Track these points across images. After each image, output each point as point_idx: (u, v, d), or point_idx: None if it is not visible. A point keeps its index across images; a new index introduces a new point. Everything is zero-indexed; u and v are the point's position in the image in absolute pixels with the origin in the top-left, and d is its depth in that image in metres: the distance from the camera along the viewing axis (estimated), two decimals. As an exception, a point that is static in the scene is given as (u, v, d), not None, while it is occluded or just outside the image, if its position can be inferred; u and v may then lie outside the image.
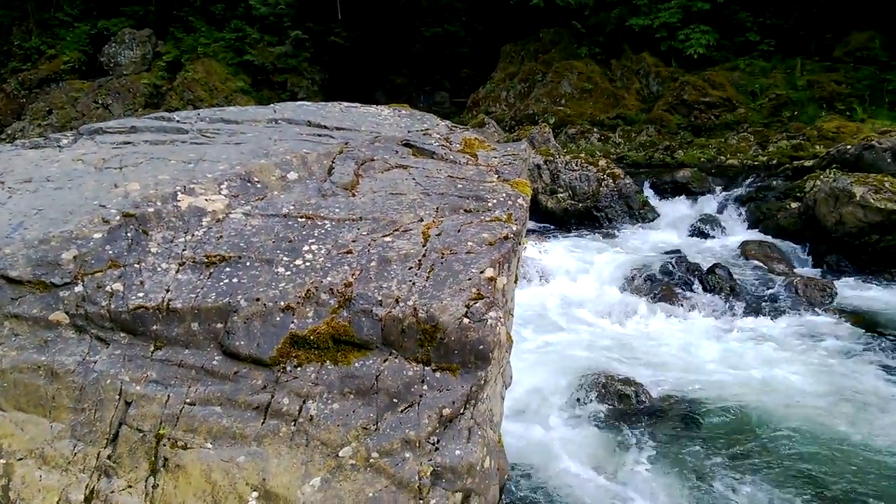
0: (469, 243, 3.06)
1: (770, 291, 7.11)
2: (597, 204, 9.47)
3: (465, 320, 2.68)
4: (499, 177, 3.81)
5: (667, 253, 7.70)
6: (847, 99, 13.44)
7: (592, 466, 3.94)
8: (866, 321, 6.49)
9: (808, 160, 10.46)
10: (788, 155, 11.30)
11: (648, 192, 10.24)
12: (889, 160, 9.48)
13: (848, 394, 4.99)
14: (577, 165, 9.62)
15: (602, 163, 9.90)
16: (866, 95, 13.28)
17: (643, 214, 9.53)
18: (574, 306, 6.37)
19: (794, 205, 9.15)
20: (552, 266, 7.13)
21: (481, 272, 2.88)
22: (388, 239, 3.03)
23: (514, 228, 3.23)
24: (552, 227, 9.28)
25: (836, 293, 7.11)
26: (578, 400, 4.69)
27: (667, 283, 6.96)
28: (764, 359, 5.59)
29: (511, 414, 4.27)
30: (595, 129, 13.12)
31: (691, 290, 6.84)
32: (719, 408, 4.74)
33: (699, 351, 5.70)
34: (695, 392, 4.97)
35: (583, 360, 5.29)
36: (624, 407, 4.65)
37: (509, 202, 3.47)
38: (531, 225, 9.29)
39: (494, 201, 3.46)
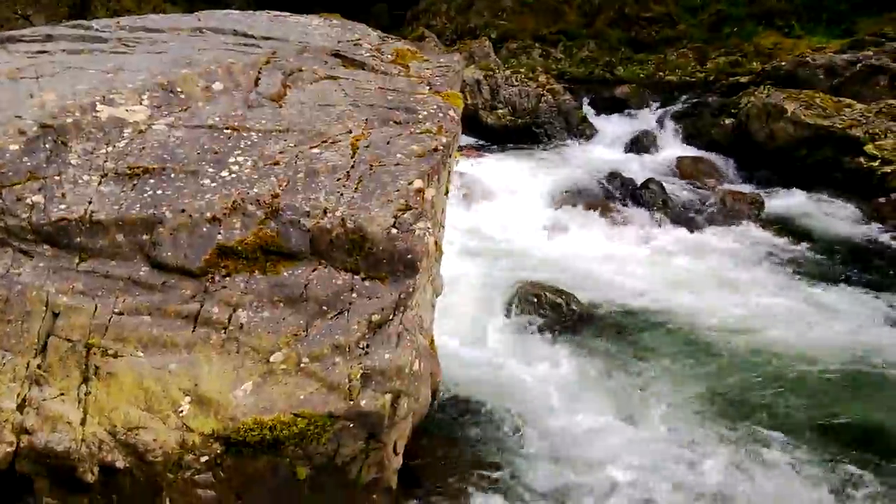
0: (398, 155, 3.08)
1: (701, 205, 7.36)
2: (536, 120, 9.50)
3: (394, 230, 2.74)
4: (431, 88, 3.80)
5: (604, 169, 7.83)
6: (785, 15, 13.57)
7: (522, 370, 4.13)
8: (791, 232, 6.81)
9: (744, 77, 10.63)
10: (726, 71, 11.46)
11: (588, 108, 10.29)
12: (822, 77, 9.73)
13: (769, 300, 5.29)
14: (516, 81, 9.58)
15: (542, 78, 9.87)
16: (804, 12, 13.44)
17: (582, 130, 9.61)
18: (510, 221, 6.48)
19: (728, 121, 9.35)
20: (489, 182, 7.19)
21: (410, 184, 2.92)
22: (315, 151, 3.03)
23: (445, 141, 3.26)
24: (492, 143, 9.29)
25: (764, 205, 7.42)
26: (512, 310, 4.85)
27: (602, 198, 7.13)
28: (691, 269, 5.85)
29: (445, 323, 4.40)
30: (536, 45, 13.01)
31: (625, 205, 7.04)
32: (646, 315, 4.98)
33: (630, 263, 5.92)
34: (623, 301, 5.19)
35: (517, 273, 5.43)
36: (555, 315, 4.84)
37: (440, 114, 3.47)
38: (470, 141, 9.29)
39: (425, 113, 3.46)
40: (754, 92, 9.48)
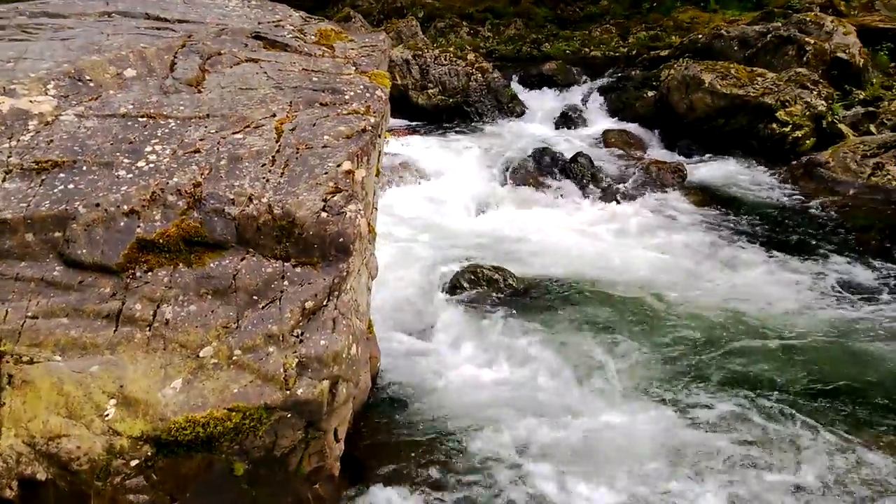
0: (325, 137, 3.01)
1: (628, 175, 7.52)
2: (467, 99, 9.47)
3: (324, 214, 2.67)
4: (357, 69, 3.72)
5: (534, 144, 7.89)
6: (701, -10, 13.93)
7: (462, 348, 4.15)
8: (712, 198, 7.04)
9: (664, 50, 10.87)
10: (647, 46, 11.69)
11: (517, 85, 10.33)
12: (736, 48, 10.03)
13: (694, 265, 5.47)
14: (446, 60, 9.52)
15: (471, 57, 9.84)
16: (718, -14, 13.80)
17: (512, 108, 9.65)
18: (444, 201, 6.48)
19: (650, 93, 9.56)
20: (423, 162, 7.16)
21: (338, 166, 2.86)
22: (238, 136, 2.93)
23: (373, 121, 3.20)
24: (423, 123, 9.22)
25: (686, 174, 7.64)
26: (449, 288, 4.86)
27: (533, 173, 7.19)
28: (620, 238, 5.99)
29: (383, 305, 4.38)
30: (464, 23, 12.96)
31: (556, 179, 7.12)
32: (580, 285, 5.06)
33: (563, 235, 6.00)
34: (558, 273, 5.26)
35: (453, 251, 5.45)
36: (493, 292, 4.87)
37: (367, 94, 3.41)
38: (402, 122, 9.21)
39: (352, 94, 3.39)
40: (674, 65, 9.71)
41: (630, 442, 3.35)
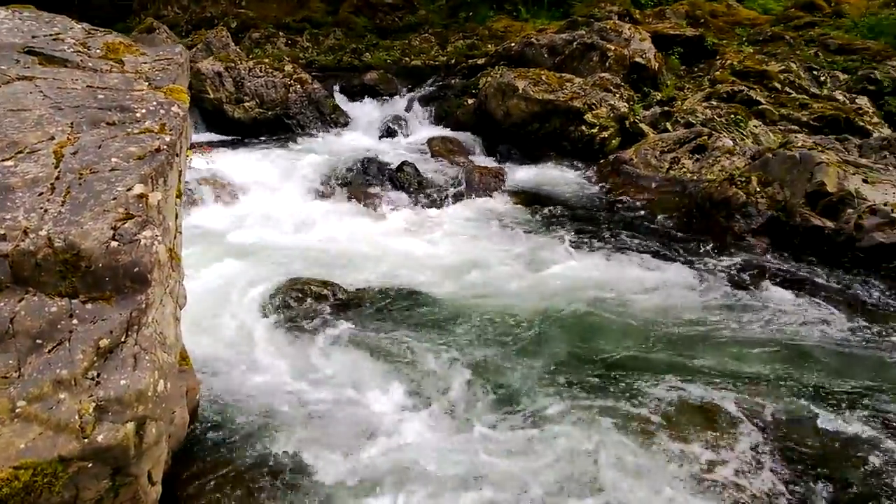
0: (113, 159, 2.80)
1: (454, 182, 7.73)
2: (287, 111, 9.26)
3: (114, 244, 2.48)
4: (150, 84, 3.50)
5: (360, 155, 7.88)
6: (513, 0, 14.65)
7: (291, 370, 4.02)
8: (531, 199, 7.41)
9: (481, 58, 11.29)
10: (465, 54, 12.08)
11: (339, 96, 10.26)
12: (546, 55, 10.64)
13: (517, 261, 5.74)
14: (261, 71, 9.24)
15: (288, 68, 9.63)
16: (529, -3, 14.61)
17: (335, 119, 9.57)
18: (267, 217, 6.27)
19: (470, 101, 9.90)
20: (242, 178, 6.90)
21: (129, 189, 2.67)
22: (9, 163, 2.64)
23: (169, 139, 3.02)
24: (242, 138, 8.89)
25: (507, 177, 7.99)
26: (274, 308, 4.70)
27: (360, 183, 7.18)
28: (449, 243, 6.13)
29: (202, 334, 4.15)
30: (281, 33, 12.68)
31: (383, 188, 7.16)
32: (412, 293, 5.11)
33: (391, 244, 6.04)
34: (389, 281, 5.28)
35: (279, 269, 5.28)
36: (322, 307, 4.78)
37: (162, 111, 3.21)
38: (218, 137, 8.83)
39: (144, 111, 3.18)
40: (490, 72, 10.14)
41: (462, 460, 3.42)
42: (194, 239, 5.31)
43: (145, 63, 3.72)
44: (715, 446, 3.43)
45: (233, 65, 9.24)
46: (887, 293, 5.10)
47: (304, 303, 4.80)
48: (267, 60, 9.93)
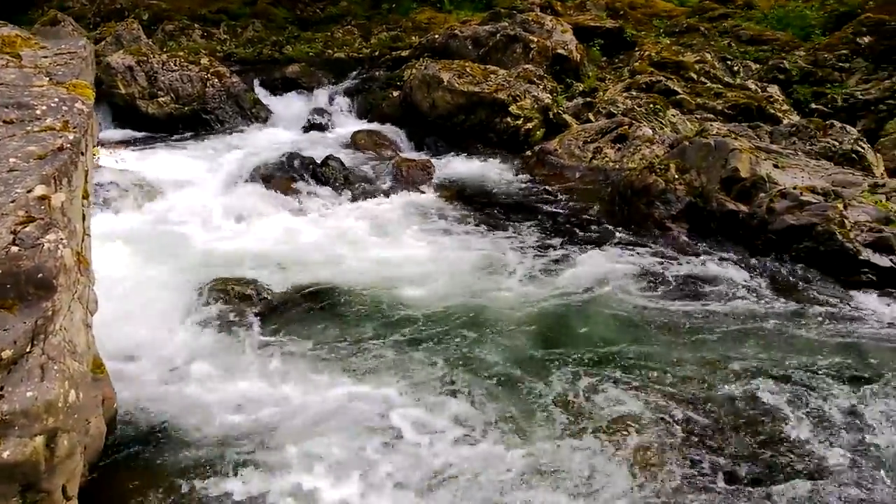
0: (11, 160, 2.64)
1: (380, 175, 7.67)
2: (205, 106, 8.95)
3: (14, 248, 2.34)
4: (51, 80, 3.31)
5: (283, 150, 7.70)
6: (437, -8, 14.63)
7: (212, 372, 3.91)
8: (459, 191, 7.43)
9: (405, 50, 11.23)
10: (389, 46, 11.98)
11: (259, 89, 10.01)
12: (470, 47, 10.67)
13: (444, 253, 5.74)
14: (176, 65, 8.90)
15: (204, 61, 9.31)
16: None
17: (256, 113, 9.33)
18: (186, 217, 6.05)
19: (395, 93, 9.83)
20: (159, 177, 6.63)
21: (29, 191, 2.52)
22: None
23: (72, 137, 2.87)
24: (158, 134, 8.53)
25: (435, 170, 7.98)
26: (196, 310, 4.55)
27: (283, 179, 7.02)
28: (376, 238, 6.07)
29: (120, 339, 3.97)
30: (196, 25, 12.24)
31: (307, 184, 7.02)
32: (338, 289, 5.04)
33: (318, 240, 5.93)
34: (315, 279, 5.19)
35: (200, 270, 5.10)
36: (245, 307, 4.66)
37: (64, 108, 3.05)
38: (132, 134, 8.47)
39: (44, 108, 3.01)
40: (415, 64, 10.09)
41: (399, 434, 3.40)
42: (107, 241, 5.08)
43: (45, 57, 3.52)
44: (636, 425, 3.52)
45: (145, 58, 8.86)
46: (797, 272, 5.34)
47: (227, 304, 4.67)
48: (182, 54, 9.58)
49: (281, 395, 3.74)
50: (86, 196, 3.03)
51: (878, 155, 7.80)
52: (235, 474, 3.13)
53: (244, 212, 6.28)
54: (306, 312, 4.71)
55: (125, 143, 7.89)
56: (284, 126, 9.19)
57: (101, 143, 7.15)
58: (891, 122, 8.93)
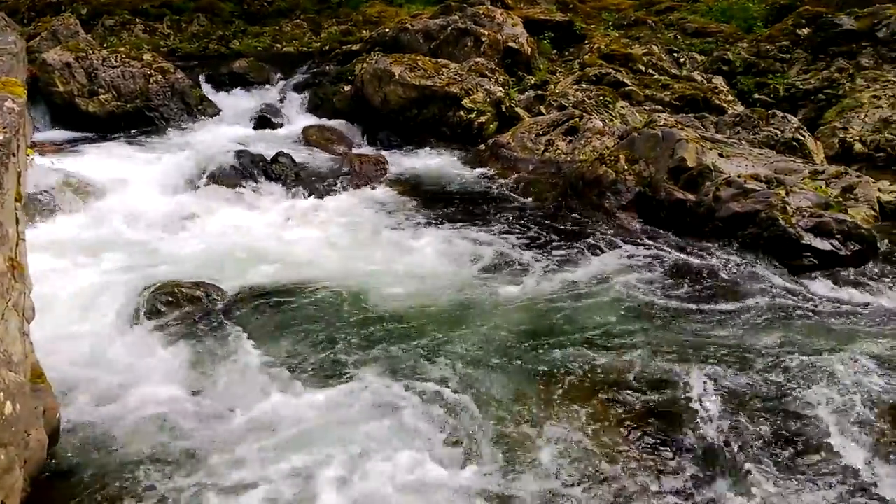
0: (-65, 162, 2.50)
1: (333, 172, 7.58)
2: (148, 103, 8.70)
3: (-61, 256, 2.21)
4: (-22, 78, 3.16)
5: (231, 147, 7.52)
6: (387, -15, 14.50)
7: (160, 378, 3.80)
8: (413, 186, 7.40)
9: (356, 44, 11.12)
10: (339, 40, 11.85)
11: (206, 86, 9.79)
12: (421, 41, 10.62)
13: (402, 249, 5.69)
14: (117, 61, 8.61)
15: (147, 57, 9.05)
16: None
17: (203, 110, 9.11)
18: (131, 218, 5.86)
19: (346, 88, 9.73)
20: (101, 177, 6.41)
21: (-45, 195, 2.39)
22: None
23: (2, 138, 2.74)
24: (99, 134, 8.26)
25: (388, 165, 7.92)
26: (144, 315, 4.41)
27: (233, 177, 6.87)
28: (329, 235, 5.99)
29: (63, 348, 3.84)
30: (138, 20, 11.89)
31: (257, 182, 6.89)
32: (291, 289, 4.93)
33: (269, 239, 5.83)
34: (268, 279, 5.09)
35: (148, 273, 4.95)
36: (195, 310, 4.54)
37: (-7, 107, 2.91)
38: (71, 134, 8.19)
39: (-30, 108, 2.86)
40: (366, 59, 10.00)
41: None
42: (47, 245, 4.89)
43: (-28, 53, 3.36)
44: (586, 410, 3.54)
45: (84, 55, 8.56)
46: (743, 257, 5.47)
47: (175, 307, 4.54)
48: (123, 49, 9.28)
49: (233, 403, 3.65)
50: (19, 199, 2.90)
51: (818, 143, 8.05)
52: (181, 485, 3.04)
53: (192, 212, 6.12)
54: (259, 313, 4.61)
55: (64, 143, 7.61)
56: (233, 123, 9.00)
57: (36, 144, 6.87)
58: (829, 110, 9.22)
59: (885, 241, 5.68)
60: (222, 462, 3.20)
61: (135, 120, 8.64)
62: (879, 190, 6.56)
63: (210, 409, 3.60)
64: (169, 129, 8.57)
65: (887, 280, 5.16)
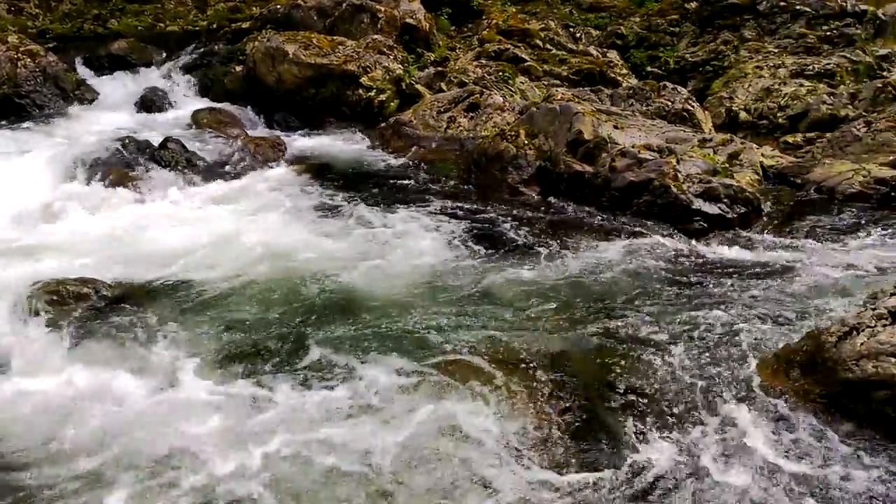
0: None
1: (227, 157, 7.28)
2: (17, 90, 7.98)
3: None
4: None
5: (114, 134, 7.08)
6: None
7: (45, 382, 3.55)
8: (313, 167, 7.19)
9: (246, 22, 10.66)
10: (227, 18, 11.31)
11: (83, 69, 9.10)
12: (315, 17, 10.29)
13: (299, 233, 5.51)
14: (-23, 45, 7.94)
15: (13, 39, 8.31)
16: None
17: (80, 95, 8.47)
18: (5, 215, 5.42)
19: (238, 68, 9.34)
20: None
21: None
22: None
23: None
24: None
25: (286, 147, 7.68)
26: (25, 315, 4.10)
27: (118, 166, 6.44)
28: (225, 222, 5.71)
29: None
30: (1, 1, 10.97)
31: (145, 170, 6.50)
32: (182, 282, 4.69)
33: (161, 229, 5.50)
34: (159, 271, 4.82)
35: (27, 272, 4.57)
36: (82, 308, 4.25)
37: None
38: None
39: None
40: (257, 37, 9.62)
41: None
42: None
43: None
44: (492, 385, 3.56)
45: (-60, 38, 7.81)
46: (638, 224, 5.65)
47: (61, 305, 4.24)
48: (-15, 32, 8.52)
49: (124, 401, 3.45)
50: None
51: (706, 112, 8.42)
52: (64, 489, 2.86)
53: (73, 203, 5.69)
54: (152, 307, 4.35)
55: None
56: (115, 108, 8.46)
57: None
58: (716, 81, 9.65)
59: (768, 203, 6.03)
60: (109, 461, 3.05)
61: (2, 108, 7.94)
62: (763, 155, 6.93)
63: (97, 409, 3.40)
64: (43, 116, 7.92)
65: (770, 238, 5.48)
